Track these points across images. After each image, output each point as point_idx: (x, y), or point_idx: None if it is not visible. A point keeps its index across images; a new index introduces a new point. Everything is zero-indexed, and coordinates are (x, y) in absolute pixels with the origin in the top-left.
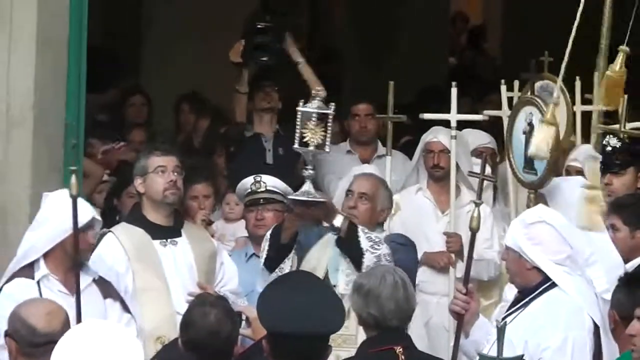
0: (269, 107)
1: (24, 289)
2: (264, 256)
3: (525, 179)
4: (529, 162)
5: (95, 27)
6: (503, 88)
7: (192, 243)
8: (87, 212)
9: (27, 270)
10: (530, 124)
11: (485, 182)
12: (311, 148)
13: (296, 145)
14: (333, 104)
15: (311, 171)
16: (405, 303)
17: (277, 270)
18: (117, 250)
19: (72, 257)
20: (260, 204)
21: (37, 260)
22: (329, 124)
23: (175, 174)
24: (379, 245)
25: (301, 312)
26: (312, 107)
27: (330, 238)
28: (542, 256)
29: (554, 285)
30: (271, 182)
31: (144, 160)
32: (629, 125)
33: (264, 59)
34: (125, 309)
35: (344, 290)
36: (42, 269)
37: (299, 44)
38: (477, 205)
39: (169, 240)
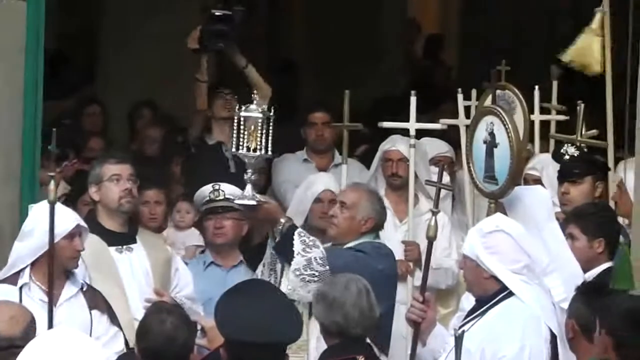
0: (228, 115)
1: (4, 296)
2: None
3: (485, 188)
4: (489, 172)
5: (49, 35)
6: (460, 97)
7: (147, 249)
8: (71, 219)
9: (14, 277)
10: (492, 134)
11: (444, 191)
12: (250, 152)
13: (234, 150)
14: (273, 107)
15: (251, 175)
16: (369, 311)
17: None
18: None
19: (58, 265)
20: (219, 212)
21: (24, 268)
22: (268, 128)
23: (130, 182)
24: (310, 249)
25: (260, 322)
26: (250, 111)
27: None
28: (499, 265)
29: (511, 294)
30: (230, 190)
31: (99, 169)
32: (586, 134)
33: (221, 45)
34: (114, 321)
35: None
36: (25, 277)
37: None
38: (434, 213)
39: (124, 246)
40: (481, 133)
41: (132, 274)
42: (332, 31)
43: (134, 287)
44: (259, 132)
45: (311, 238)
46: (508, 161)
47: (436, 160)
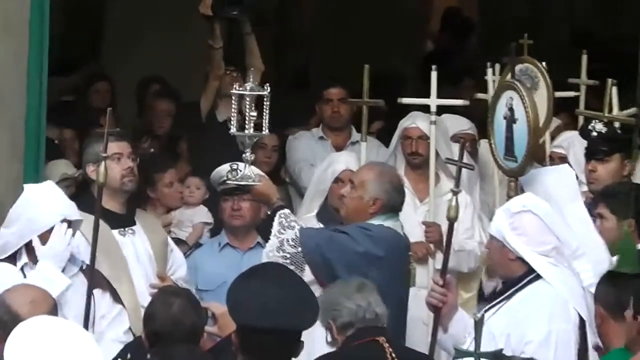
0: None
1: (6, 272)
2: None
3: (506, 165)
4: (509, 149)
5: (55, 11)
6: (489, 71)
7: (147, 231)
8: (55, 213)
9: (10, 259)
10: (511, 109)
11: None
12: (249, 131)
13: (233, 130)
14: (267, 84)
15: (248, 155)
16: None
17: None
18: (80, 241)
19: None
20: (236, 193)
21: (19, 250)
22: (265, 106)
23: (131, 160)
24: (285, 230)
25: (273, 307)
26: (246, 89)
27: None
28: (526, 247)
29: (538, 277)
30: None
31: (97, 147)
32: (624, 113)
33: (235, 13)
34: (117, 299)
35: None
36: (23, 258)
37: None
38: (455, 193)
39: (127, 229)
40: (501, 108)
41: (137, 258)
42: (346, 6)
43: (140, 272)
44: (247, 109)
45: (290, 219)
46: (526, 137)
47: (457, 137)
